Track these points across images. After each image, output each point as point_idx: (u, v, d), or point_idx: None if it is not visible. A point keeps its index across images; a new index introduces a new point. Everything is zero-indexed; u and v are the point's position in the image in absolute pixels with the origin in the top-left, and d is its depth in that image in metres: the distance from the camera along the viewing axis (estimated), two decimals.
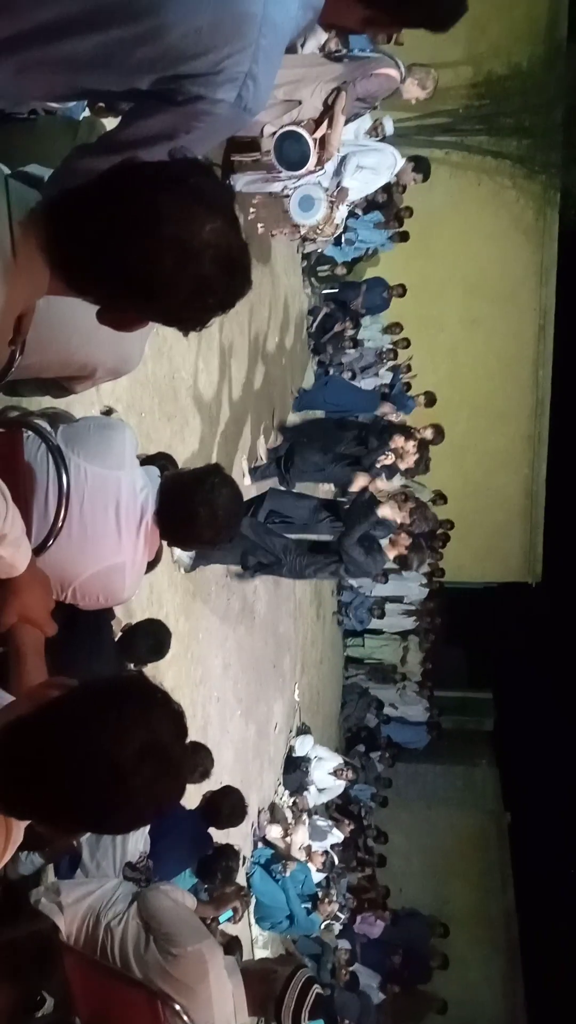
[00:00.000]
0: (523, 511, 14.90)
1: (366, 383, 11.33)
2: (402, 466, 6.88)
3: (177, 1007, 2.62)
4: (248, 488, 6.43)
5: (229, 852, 4.64)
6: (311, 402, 9.25)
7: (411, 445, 6.86)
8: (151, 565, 2.27)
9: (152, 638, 3.53)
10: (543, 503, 14.77)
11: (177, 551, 4.94)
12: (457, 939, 10.75)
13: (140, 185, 1.17)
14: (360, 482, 6.24)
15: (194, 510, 2.17)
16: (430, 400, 9.48)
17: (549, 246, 13.34)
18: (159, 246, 1.14)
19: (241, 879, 5.77)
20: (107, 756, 1.10)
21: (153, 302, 1.21)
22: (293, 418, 8.63)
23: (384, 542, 6.06)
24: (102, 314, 1.27)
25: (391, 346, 11.25)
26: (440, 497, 11.38)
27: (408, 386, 10.75)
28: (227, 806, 4.25)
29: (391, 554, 5.71)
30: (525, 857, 13.47)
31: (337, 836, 8.55)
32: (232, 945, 4.52)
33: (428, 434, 7.68)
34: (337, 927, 8.48)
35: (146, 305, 1.23)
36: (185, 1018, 2.61)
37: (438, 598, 12.74)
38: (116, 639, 3.37)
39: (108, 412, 3.78)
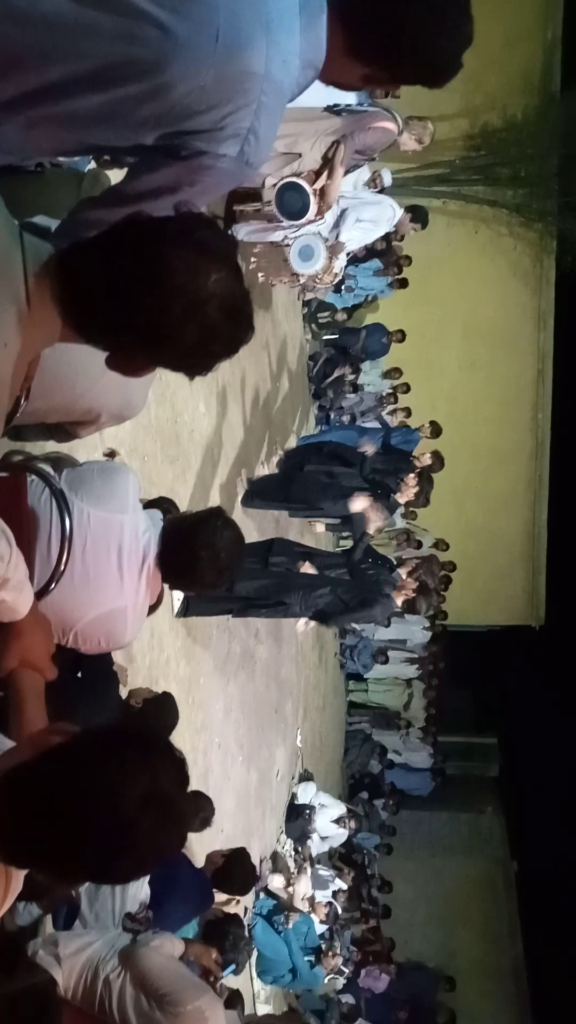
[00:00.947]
0: (525, 553, 14.88)
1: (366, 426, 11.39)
2: (402, 500, 6.87)
3: None
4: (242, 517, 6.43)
5: (236, 920, 4.59)
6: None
7: (411, 477, 6.91)
8: (152, 608, 2.27)
9: (163, 722, 3.50)
10: (545, 545, 14.76)
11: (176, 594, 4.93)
12: (465, 992, 10.48)
13: (148, 238, 1.22)
14: (360, 503, 6.20)
15: (196, 553, 2.17)
16: (435, 431, 9.45)
17: (546, 291, 13.54)
18: (167, 296, 1.19)
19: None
20: (109, 804, 1.09)
21: (161, 349, 1.26)
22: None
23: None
24: (111, 360, 1.31)
25: (391, 390, 11.36)
26: (442, 543, 11.40)
27: (408, 413, 10.77)
28: (240, 874, 4.20)
29: (399, 600, 5.71)
30: (534, 907, 13.17)
31: (339, 885, 8.38)
32: (233, 999, 4.41)
33: (427, 459, 7.69)
34: (341, 981, 8.27)
35: (154, 352, 1.27)
36: None
37: (441, 641, 12.66)
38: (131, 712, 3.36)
39: (111, 455, 3.80)
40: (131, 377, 1.35)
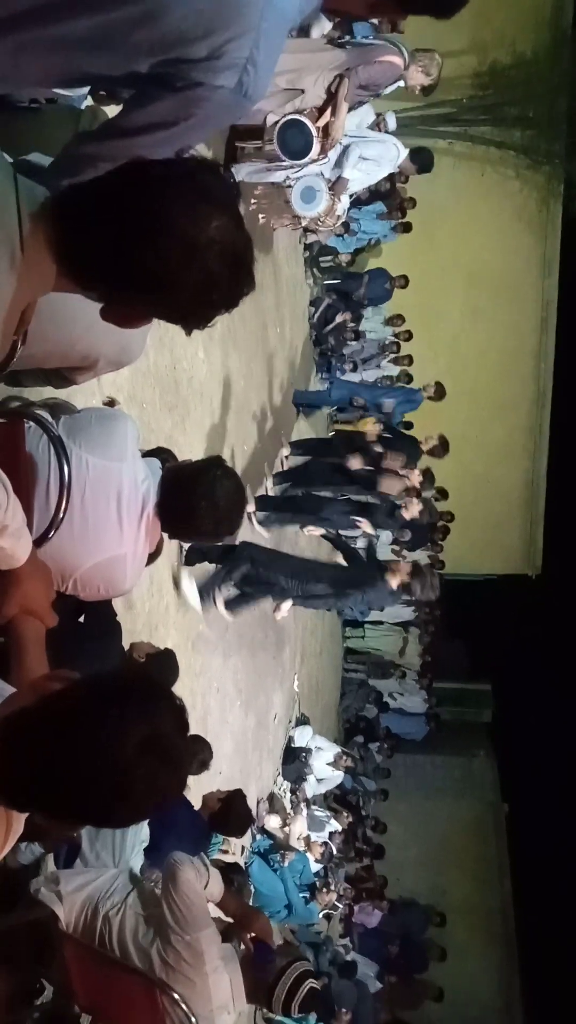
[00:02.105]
0: (523, 503, 14.90)
1: (367, 375, 11.30)
2: (407, 516, 7.04)
3: (175, 995, 2.63)
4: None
5: (237, 868, 4.70)
6: (316, 400, 9.40)
7: (414, 503, 7.19)
8: (152, 557, 2.27)
9: (160, 677, 3.53)
10: (543, 495, 14.77)
11: (189, 595, 5.06)
12: (454, 929, 10.82)
13: (148, 181, 1.18)
14: (365, 528, 6.37)
15: (195, 502, 2.16)
16: (439, 392, 9.38)
17: (552, 237, 13.30)
18: (166, 242, 1.15)
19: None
20: (109, 749, 1.11)
21: (158, 298, 1.21)
22: (301, 425, 8.75)
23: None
24: (106, 311, 1.27)
25: (393, 338, 11.22)
26: (441, 493, 11.38)
27: (410, 377, 10.71)
28: (236, 816, 4.28)
29: (394, 583, 5.74)
30: (523, 847, 13.53)
31: (335, 826, 8.58)
32: (231, 870, 4.59)
33: (432, 442, 8.08)
34: (336, 916, 8.52)
35: (151, 301, 1.23)
36: (183, 1007, 2.63)
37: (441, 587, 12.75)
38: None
39: (110, 403, 3.77)
40: (127, 327, 1.31)
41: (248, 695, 6.82)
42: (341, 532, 7.06)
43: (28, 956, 2.73)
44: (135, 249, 1.16)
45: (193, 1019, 2.63)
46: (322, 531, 6.74)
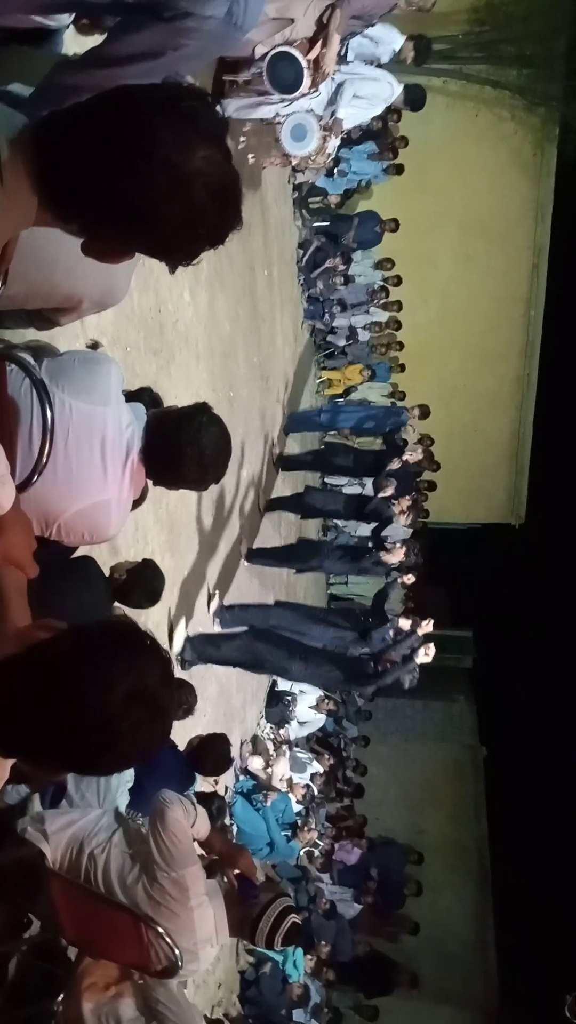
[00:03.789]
0: (510, 453, 14.92)
1: (356, 320, 11.18)
2: (403, 520, 7.76)
3: (160, 929, 2.70)
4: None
5: (216, 796, 4.79)
6: (306, 424, 9.63)
7: (404, 500, 7.98)
8: (136, 503, 2.25)
9: (147, 586, 3.54)
10: (529, 445, 14.79)
11: (176, 643, 5.12)
12: (431, 866, 11.14)
13: (133, 106, 1.12)
14: (395, 555, 6.97)
15: (181, 448, 2.14)
16: (424, 412, 9.62)
17: (546, 182, 13.06)
18: (150, 169, 1.10)
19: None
20: (96, 700, 1.11)
21: (141, 230, 1.16)
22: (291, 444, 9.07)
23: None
24: (88, 245, 1.23)
25: (382, 283, 11.07)
26: (428, 438, 11.37)
27: (399, 306, 10.73)
28: (212, 756, 4.35)
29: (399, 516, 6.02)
30: (499, 789, 13.89)
31: (317, 768, 8.75)
32: (209, 799, 4.72)
33: (418, 455, 8.65)
34: (316, 854, 8.75)
35: (134, 233, 1.18)
36: (168, 940, 2.70)
37: (422, 538, 12.83)
38: (115, 586, 3.38)
39: (94, 346, 3.70)
40: (109, 263, 1.26)
41: None
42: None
43: (16, 892, 2.78)
44: (117, 178, 1.11)
45: (177, 951, 2.71)
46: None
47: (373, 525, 8.06)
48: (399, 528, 8.97)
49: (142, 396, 2.87)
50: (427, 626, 6.50)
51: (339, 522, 11.32)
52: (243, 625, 6.08)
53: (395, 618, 6.70)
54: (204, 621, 6.02)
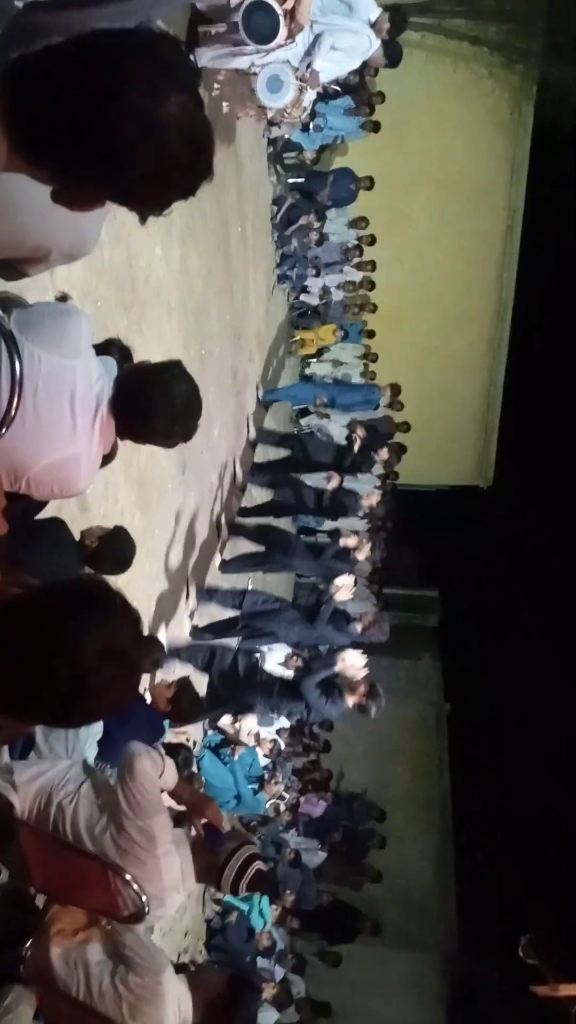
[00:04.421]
0: (479, 415, 15.00)
1: (329, 279, 11.08)
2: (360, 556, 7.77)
3: (127, 877, 2.76)
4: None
5: (183, 747, 4.86)
6: (283, 396, 9.74)
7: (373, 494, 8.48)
8: (107, 459, 2.25)
9: (117, 554, 3.56)
10: (499, 407, 14.86)
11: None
12: (395, 818, 11.40)
13: (104, 50, 1.11)
14: (344, 592, 6.63)
15: (151, 399, 2.13)
16: (395, 392, 9.70)
17: (523, 141, 12.96)
18: (121, 112, 1.08)
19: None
20: (69, 656, 1.13)
21: (111, 176, 1.15)
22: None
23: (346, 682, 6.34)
24: (57, 193, 1.21)
25: (356, 242, 10.97)
26: (397, 402, 11.40)
27: (373, 266, 10.66)
28: (187, 701, 4.39)
29: (350, 702, 5.88)
30: (461, 744, 14.22)
31: (284, 723, 8.88)
32: (176, 750, 4.83)
33: (383, 455, 9.03)
34: (282, 806, 8.93)
35: (103, 179, 1.16)
36: (135, 887, 2.76)
37: (391, 499, 12.91)
38: (87, 552, 3.39)
39: (63, 298, 3.65)
40: (79, 211, 1.24)
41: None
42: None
43: None
44: (86, 121, 1.09)
45: (144, 898, 2.77)
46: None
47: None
48: (367, 485, 9.12)
49: (111, 349, 2.85)
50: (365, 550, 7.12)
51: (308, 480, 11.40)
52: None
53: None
54: (172, 578, 6.05)
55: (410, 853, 12.32)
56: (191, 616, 6.42)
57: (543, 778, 13.83)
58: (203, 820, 3.08)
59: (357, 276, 11.35)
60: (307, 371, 12.01)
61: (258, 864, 3.03)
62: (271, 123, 7.46)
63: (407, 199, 12.91)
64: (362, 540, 7.58)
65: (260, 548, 7.64)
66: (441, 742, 14.28)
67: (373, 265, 11.23)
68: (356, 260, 11.03)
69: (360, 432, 8.05)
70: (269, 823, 8.65)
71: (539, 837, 12.77)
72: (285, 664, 8.63)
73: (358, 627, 6.59)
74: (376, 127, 10.05)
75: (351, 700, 5.86)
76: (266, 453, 9.10)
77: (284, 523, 8.86)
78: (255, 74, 5.72)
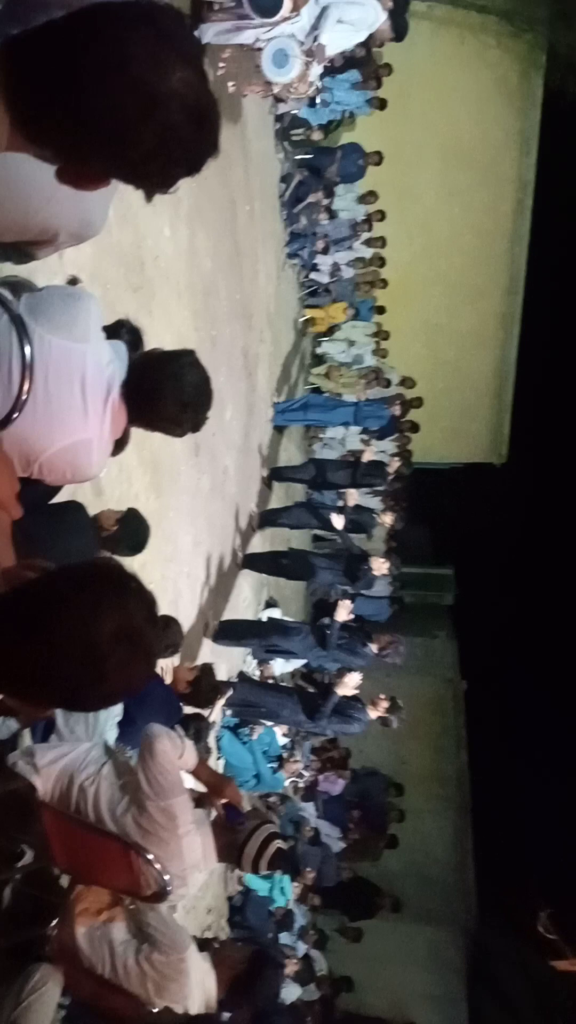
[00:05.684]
0: (492, 391, 14.88)
1: (339, 256, 10.99)
2: (387, 521, 8.47)
3: (149, 856, 2.79)
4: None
5: (199, 718, 4.87)
6: (292, 419, 9.64)
7: (387, 514, 8.91)
8: (119, 445, 2.23)
9: (133, 537, 3.58)
10: (512, 383, 14.74)
11: None
12: (414, 794, 11.47)
13: (107, 23, 1.08)
14: (342, 612, 6.96)
15: (161, 382, 2.12)
16: (405, 408, 9.69)
17: (532, 112, 12.76)
18: (124, 85, 1.06)
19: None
20: (84, 638, 1.13)
21: (115, 151, 1.12)
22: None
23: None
24: (62, 172, 1.20)
25: (365, 217, 10.87)
26: (409, 381, 11.34)
27: (383, 242, 10.59)
28: (207, 686, 4.42)
29: (373, 715, 6.03)
30: (478, 721, 14.25)
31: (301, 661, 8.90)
32: (189, 721, 4.89)
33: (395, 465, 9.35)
34: (301, 784, 8.98)
35: (108, 155, 1.13)
36: (157, 866, 2.79)
37: (405, 478, 12.87)
38: (104, 536, 3.41)
39: (73, 282, 3.64)
40: (84, 190, 1.22)
41: (219, 581, 6.94)
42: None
43: (8, 823, 2.86)
44: (89, 96, 1.07)
45: (166, 877, 2.80)
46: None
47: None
48: (385, 455, 9.24)
49: (120, 330, 2.83)
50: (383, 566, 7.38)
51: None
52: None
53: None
54: (187, 560, 6.06)
55: (429, 829, 12.39)
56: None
57: (559, 754, 13.86)
58: (223, 800, 3.11)
59: (367, 253, 11.26)
60: (315, 372, 11.88)
61: (278, 842, 3.06)
62: (277, 99, 7.37)
63: (416, 173, 12.76)
64: (389, 563, 8.02)
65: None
66: (458, 719, 14.30)
67: (383, 241, 11.13)
68: (366, 236, 10.94)
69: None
70: (287, 801, 8.72)
71: (556, 812, 12.81)
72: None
73: (374, 648, 6.74)
74: (382, 104, 9.92)
75: (373, 713, 6.21)
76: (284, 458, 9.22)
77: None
78: (260, 49, 5.65)
